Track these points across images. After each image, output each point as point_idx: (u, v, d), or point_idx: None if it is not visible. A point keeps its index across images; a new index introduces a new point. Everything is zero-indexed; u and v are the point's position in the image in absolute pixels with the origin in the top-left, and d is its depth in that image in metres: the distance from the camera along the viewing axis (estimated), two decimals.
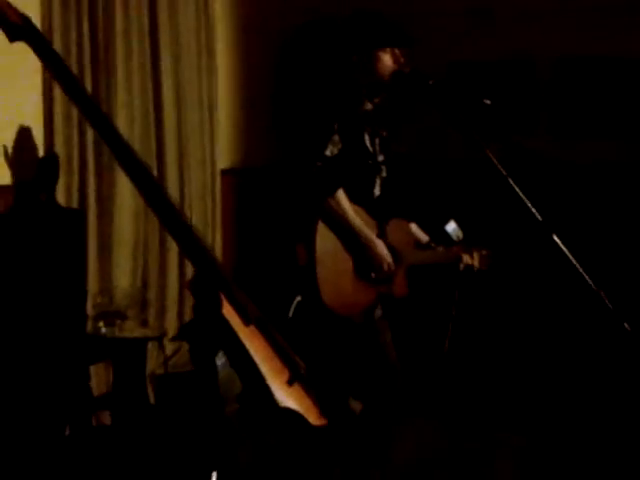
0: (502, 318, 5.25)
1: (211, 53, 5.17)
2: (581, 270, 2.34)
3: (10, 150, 4.04)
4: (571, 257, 2.33)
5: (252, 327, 1.81)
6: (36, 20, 4.02)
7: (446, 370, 3.57)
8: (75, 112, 4.12)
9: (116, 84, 4.44)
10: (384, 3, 3.52)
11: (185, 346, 4.94)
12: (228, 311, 1.74)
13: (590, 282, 2.33)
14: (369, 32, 3.15)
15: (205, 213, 5.15)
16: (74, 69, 4.19)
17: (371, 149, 3.20)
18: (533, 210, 2.36)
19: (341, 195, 3.01)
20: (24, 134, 4.07)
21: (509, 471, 3.37)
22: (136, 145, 4.63)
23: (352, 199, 3.07)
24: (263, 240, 5.15)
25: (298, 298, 3.03)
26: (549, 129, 5.96)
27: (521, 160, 5.58)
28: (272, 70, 5.43)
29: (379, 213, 3.22)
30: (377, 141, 3.24)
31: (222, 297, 1.73)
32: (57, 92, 4.10)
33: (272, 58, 5.40)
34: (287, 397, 2.66)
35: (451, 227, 3.35)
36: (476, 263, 3.40)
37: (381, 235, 3.19)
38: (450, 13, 5.80)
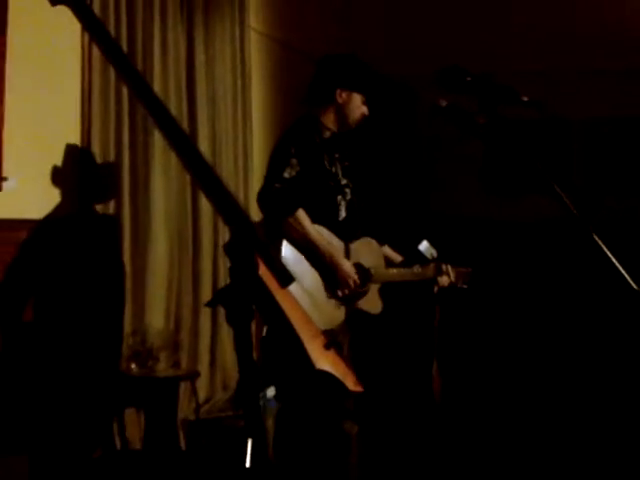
0: (490, 336, 5.44)
1: (246, 102, 5.23)
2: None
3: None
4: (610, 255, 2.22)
5: (288, 290, 1.80)
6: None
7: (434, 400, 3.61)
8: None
9: (153, 133, 4.46)
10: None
11: (218, 393, 4.86)
12: (264, 273, 1.70)
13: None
14: (352, 73, 3.29)
15: None
16: (112, 116, 4.25)
17: (333, 171, 3.28)
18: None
19: (301, 215, 3.05)
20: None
21: None
22: (172, 197, 4.65)
23: (317, 220, 3.11)
24: None
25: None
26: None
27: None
28: None
29: (346, 234, 3.25)
30: (338, 165, 3.32)
31: (258, 259, 1.68)
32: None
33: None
34: (324, 361, 2.55)
35: (424, 246, 3.41)
36: (452, 279, 3.46)
37: (346, 254, 3.22)
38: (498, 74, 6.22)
